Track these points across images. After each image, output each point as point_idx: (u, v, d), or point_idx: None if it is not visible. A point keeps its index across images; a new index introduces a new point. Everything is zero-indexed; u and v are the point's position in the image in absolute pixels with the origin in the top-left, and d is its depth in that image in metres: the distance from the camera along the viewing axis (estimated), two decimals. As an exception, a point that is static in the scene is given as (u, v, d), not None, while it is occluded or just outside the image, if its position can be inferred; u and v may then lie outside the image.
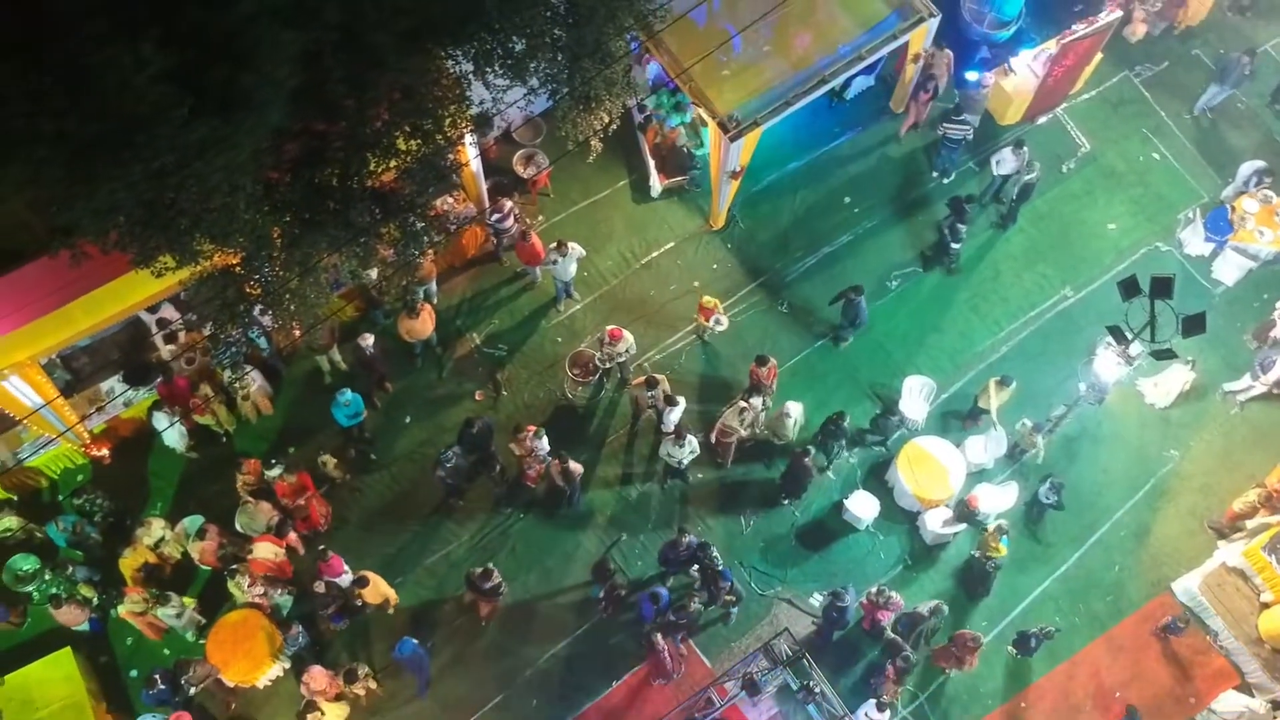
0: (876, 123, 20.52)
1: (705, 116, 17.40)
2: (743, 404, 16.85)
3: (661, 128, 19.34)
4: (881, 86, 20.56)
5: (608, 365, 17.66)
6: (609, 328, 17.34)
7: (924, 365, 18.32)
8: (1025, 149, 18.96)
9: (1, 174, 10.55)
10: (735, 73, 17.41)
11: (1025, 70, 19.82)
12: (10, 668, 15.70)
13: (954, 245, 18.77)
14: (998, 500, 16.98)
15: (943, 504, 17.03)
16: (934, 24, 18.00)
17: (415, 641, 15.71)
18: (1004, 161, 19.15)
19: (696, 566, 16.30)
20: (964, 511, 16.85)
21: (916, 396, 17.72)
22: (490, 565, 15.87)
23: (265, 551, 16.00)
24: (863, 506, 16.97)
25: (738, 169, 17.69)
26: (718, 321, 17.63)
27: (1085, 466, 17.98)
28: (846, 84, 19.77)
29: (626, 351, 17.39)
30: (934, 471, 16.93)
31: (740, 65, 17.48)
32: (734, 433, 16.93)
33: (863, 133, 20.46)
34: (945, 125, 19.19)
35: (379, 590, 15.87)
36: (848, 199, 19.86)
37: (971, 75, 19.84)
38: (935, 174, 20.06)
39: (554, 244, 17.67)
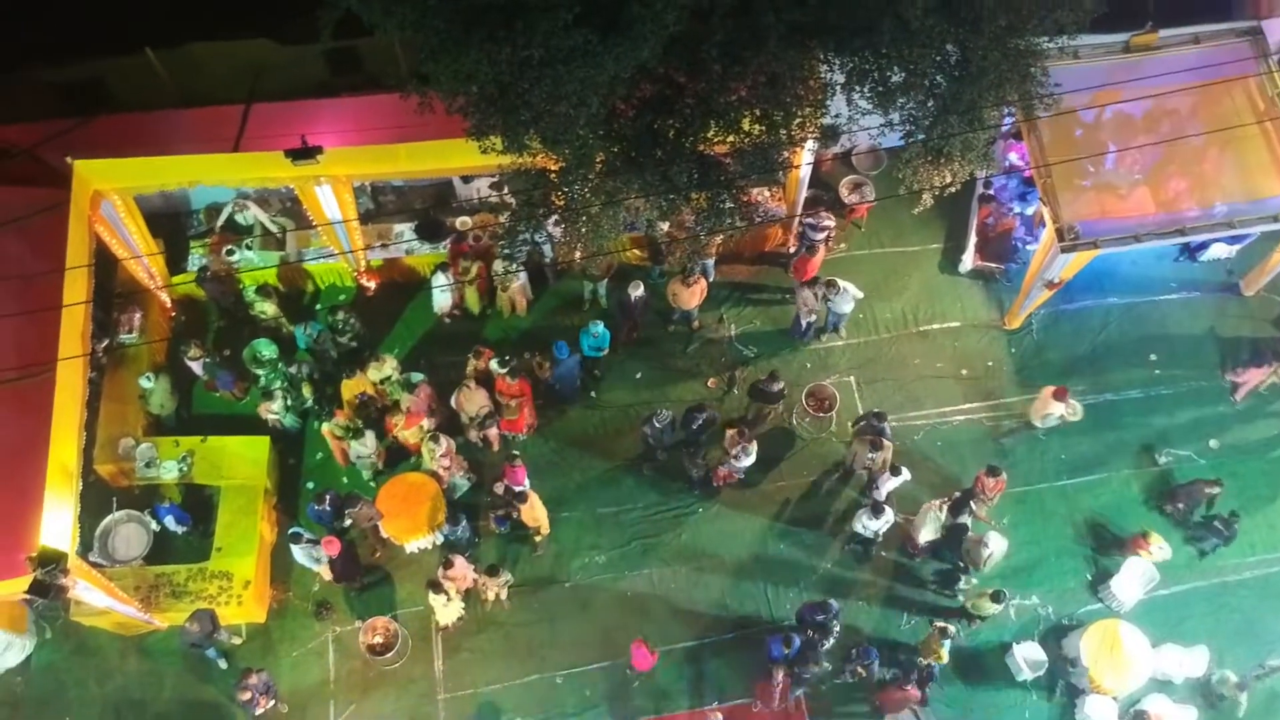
0: (1218, 294, 19.16)
1: (1047, 217, 16.67)
2: (935, 503, 16.24)
3: (999, 209, 18.67)
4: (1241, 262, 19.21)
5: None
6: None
7: (1156, 553, 17.08)
8: None
9: (392, 9, 11.27)
10: (1096, 187, 16.59)
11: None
12: (216, 431, 17.07)
13: None
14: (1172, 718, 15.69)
15: (1111, 695, 15.86)
16: (1324, 221, 16.56)
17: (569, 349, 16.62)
18: None
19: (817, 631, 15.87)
20: (1135, 720, 15.69)
21: (1135, 579, 16.53)
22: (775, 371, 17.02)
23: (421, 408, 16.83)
24: (1030, 658, 16.03)
25: (1057, 280, 16.89)
26: (1160, 548, 16.65)
27: (1280, 730, 16.37)
28: (1204, 244, 18.58)
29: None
30: (1119, 660, 15.77)
31: (1104, 182, 16.64)
32: (919, 532, 16.37)
33: (1199, 298, 19.17)
34: None
35: (534, 513, 16.18)
36: (1154, 356, 18.67)
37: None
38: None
39: (826, 280, 17.45)
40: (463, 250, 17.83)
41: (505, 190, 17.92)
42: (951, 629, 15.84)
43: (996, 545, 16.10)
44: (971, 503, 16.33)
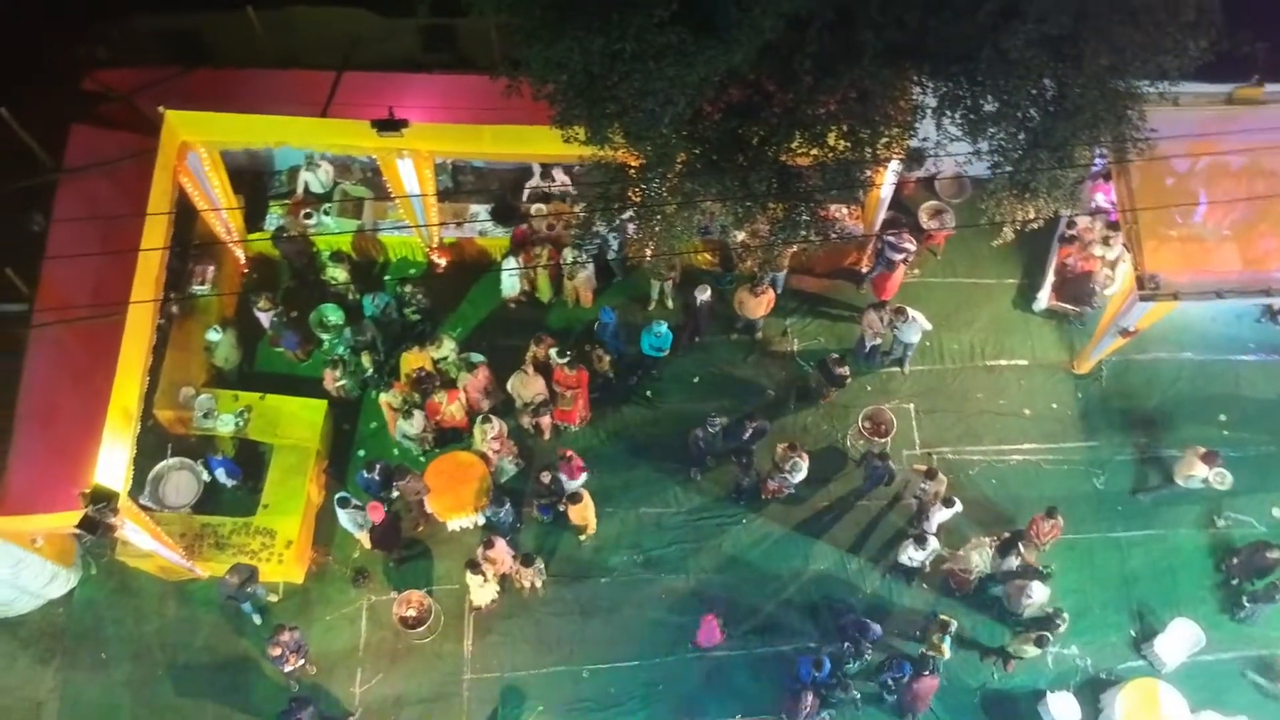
0: (1297, 359, 18.68)
1: (1128, 263, 16.33)
2: (984, 541, 16.07)
3: (1081, 251, 18.33)
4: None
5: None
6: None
7: (1206, 615, 16.60)
8: None
9: (491, -12, 11.35)
10: (1182, 238, 16.18)
11: None
12: (276, 390, 17.28)
13: None
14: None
15: (1143, 757, 15.53)
16: None
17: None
18: None
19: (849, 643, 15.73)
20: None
21: (1179, 641, 16.13)
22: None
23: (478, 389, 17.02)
24: (1063, 710, 15.68)
25: (1132, 329, 16.55)
26: None
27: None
28: (1287, 308, 18.14)
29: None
30: (1154, 720, 15.45)
31: (1191, 234, 16.22)
32: (969, 571, 16.10)
33: (1277, 362, 18.66)
34: None
35: (584, 513, 16.20)
36: (1223, 417, 18.23)
37: None
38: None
39: (895, 307, 17.28)
40: (519, 235, 17.92)
41: (574, 183, 17.97)
42: (953, 624, 15.67)
43: (1039, 594, 15.78)
44: (1020, 545, 16.06)
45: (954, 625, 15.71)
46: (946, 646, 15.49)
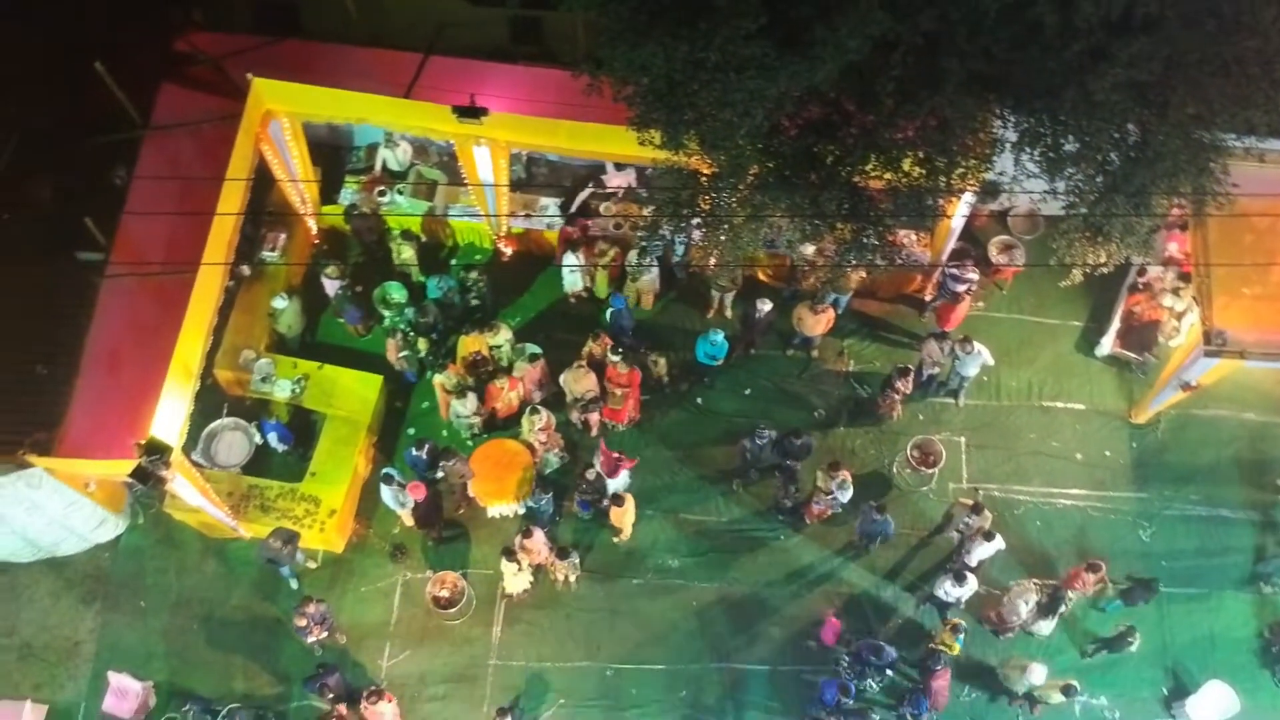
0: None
1: (1196, 316, 16.06)
2: (1031, 587, 15.83)
3: (1150, 301, 18.07)
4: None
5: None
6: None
7: (1243, 679, 16.29)
8: None
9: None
10: (1256, 297, 15.86)
11: None
12: (334, 361, 17.54)
13: None
14: None
15: (1165, 817, 15.29)
16: None
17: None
18: None
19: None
20: None
21: (1212, 703, 15.83)
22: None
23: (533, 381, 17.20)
24: (1085, 760, 15.54)
25: (1194, 384, 16.26)
26: None
27: None
28: (1358, 376, 17.67)
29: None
30: (1179, 780, 15.20)
31: (1266, 293, 15.91)
32: (1017, 618, 15.92)
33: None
34: None
35: (624, 515, 16.25)
36: (1280, 481, 17.92)
37: None
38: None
39: (962, 337, 17.13)
40: (566, 236, 18.01)
41: (645, 185, 18.03)
42: (963, 624, 15.56)
43: (1037, 676, 15.42)
44: (1064, 605, 15.86)
45: (965, 626, 15.60)
46: (958, 644, 15.38)
